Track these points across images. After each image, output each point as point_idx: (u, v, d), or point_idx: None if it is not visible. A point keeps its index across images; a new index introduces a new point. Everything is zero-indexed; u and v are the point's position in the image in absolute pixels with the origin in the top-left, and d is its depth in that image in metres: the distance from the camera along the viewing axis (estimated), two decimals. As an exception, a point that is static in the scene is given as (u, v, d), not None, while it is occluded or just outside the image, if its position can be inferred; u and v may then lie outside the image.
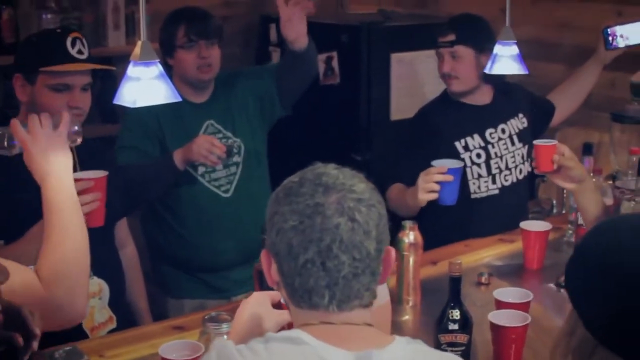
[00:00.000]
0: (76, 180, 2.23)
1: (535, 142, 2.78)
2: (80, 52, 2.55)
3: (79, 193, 2.30)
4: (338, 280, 1.49)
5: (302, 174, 1.56)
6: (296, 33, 3.23)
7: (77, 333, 2.56)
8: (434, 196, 2.92)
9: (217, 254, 3.23)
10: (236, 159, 3.30)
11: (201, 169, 3.22)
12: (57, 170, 2.04)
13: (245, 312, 1.81)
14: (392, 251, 1.59)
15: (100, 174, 2.40)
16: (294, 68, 3.35)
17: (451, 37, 3.28)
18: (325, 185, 1.51)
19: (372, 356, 1.46)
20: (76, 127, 2.19)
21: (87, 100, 2.62)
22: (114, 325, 2.73)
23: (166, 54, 3.28)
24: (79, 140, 2.22)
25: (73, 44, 2.53)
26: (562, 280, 1.40)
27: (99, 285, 2.68)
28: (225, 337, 1.95)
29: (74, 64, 2.53)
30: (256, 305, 1.81)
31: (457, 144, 3.32)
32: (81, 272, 1.98)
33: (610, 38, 3.25)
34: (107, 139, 3.65)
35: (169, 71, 3.26)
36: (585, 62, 3.52)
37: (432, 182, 2.89)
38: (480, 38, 3.27)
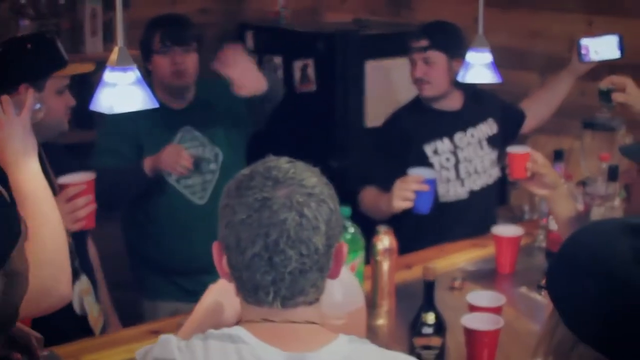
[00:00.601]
0: (68, 185, 2.23)
1: (509, 149, 2.81)
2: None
3: (72, 198, 2.32)
4: (284, 276, 1.48)
5: (254, 167, 1.54)
6: (253, 88, 3.25)
7: (84, 331, 2.60)
8: (408, 204, 2.95)
9: (192, 258, 3.24)
10: (213, 167, 3.32)
11: (175, 175, 3.24)
12: (24, 157, 1.97)
13: (208, 299, 1.81)
14: (344, 247, 1.58)
15: (89, 176, 2.41)
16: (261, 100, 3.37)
17: (424, 43, 3.32)
18: (274, 179, 1.49)
19: (305, 358, 1.47)
20: (38, 105, 2.14)
21: (71, 99, 2.72)
22: (102, 319, 2.76)
23: (145, 59, 3.30)
24: (40, 116, 2.19)
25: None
26: (543, 283, 1.43)
27: (87, 282, 2.70)
28: None
29: (73, 65, 2.55)
30: (220, 292, 1.80)
31: (426, 147, 3.36)
32: (63, 257, 1.93)
33: (583, 51, 3.28)
34: (81, 146, 3.65)
35: (149, 77, 3.28)
36: (558, 71, 3.56)
37: (408, 191, 2.92)
38: (453, 44, 3.31)
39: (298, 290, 1.49)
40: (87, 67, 2.66)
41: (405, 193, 2.93)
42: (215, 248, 1.57)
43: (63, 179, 2.43)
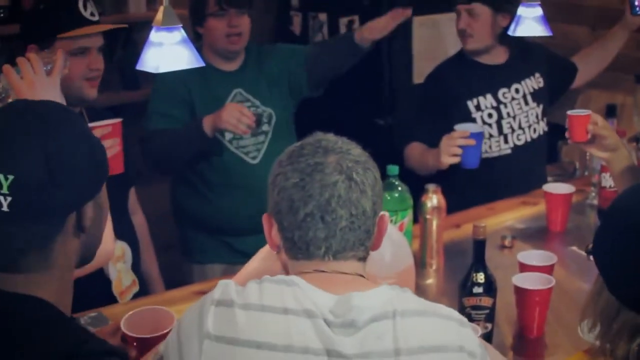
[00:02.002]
0: (94, 127, 2.22)
1: (569, 112, 2.75)
2: (92, 14, 2.55)
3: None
4: (336, 232, 1.58)
5: (303, 141, 1.66)
6: (380, 35, 3.35)
7: (107, 298, 2.60)
8: (456, 160, 2.95)
9: (243, 217, 3.24)
10: (265, 127, 3.31)
11: (228, 135, 3.23)
12: None
13: (256, 261, 1.96)
14: (386, 217, 1.67)
15: (116, 120, 2.40)
16: (338, 56, 3.40)
17: None
18: (324, 147, 1.61)
19: (352, 297, 1.53)
20: (49, 66, 2.11)
21: (102, 61, 2.62)
22: (137, 288, 2.76)
23: (196, 22, 3.28)
24: (66, 71, 2.17)
25: (85, 7, 2.52)
26: (591, 248, 1.42)
27: (122, 248, 2.70)
28: None
29: (90, 26, 2.52)
30: (270, 256, 1.89)
31: (469, 103, 3.33)
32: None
33: (636, 3, 3.23)
34: (128, 106, 3.66)
35: (199, 40, 3.27)
36: (610, 25, 3.49)
37: (455, 147, 2.91)
38: None
39: (349, 245, 1.60)
40: (105, 27, 2.56)
41: (452, 149, 2.94)
42: (265, 220, 1.68)
43: (90, 124, 2.42)
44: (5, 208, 1.38)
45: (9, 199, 1.38)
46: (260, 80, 3.34)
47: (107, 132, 2.36)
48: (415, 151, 3.28)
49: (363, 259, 1.63)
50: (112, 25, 2.61)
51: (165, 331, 1.96)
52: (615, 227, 1.37)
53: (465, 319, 1.62)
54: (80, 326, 1.51)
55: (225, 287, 1.58)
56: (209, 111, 3.11)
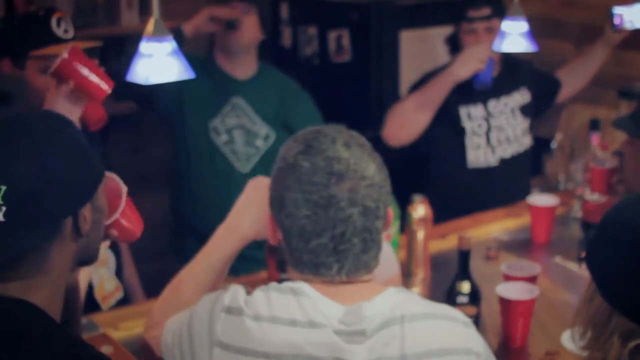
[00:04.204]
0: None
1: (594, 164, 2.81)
2: (66, 31, 2.53)
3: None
4: (348, 257, 1.57)
5: (311, 157, 1.56)
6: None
7: (89, 303, 2.61)
8: (478, 68, 3.06)
9: None
10: (259, 143, 3.33)
11: (224, 137, 3.25)
12: None
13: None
14: (391, 211, 1.65)
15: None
16: None
17: (486, 11, 3.28)
18: (338, 174, 1.54)
19: (362, 308, 1.53)
20: None
21: None
22: (121, 294, 2.77)
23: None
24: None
25: (58, 24, 2.52)
26: (583, 255, 1.46)
27: (105, 254, 2.71)
28: None
29: (63, 44, 2.49)
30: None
31: (461, 109, 3.34)
32: None
33: (616, 20, 3.27)
34: (119, 117, 3.68)
35: (212, 49, 3.33)
36: (593, 41, 3.53)
37: (483, 56, 2.93)
38: (505, 11, 3.27)
39: (361, 265, 1.59)
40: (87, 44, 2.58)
41: (481, 55, 2.96)
42: (269, 221, 1.65)
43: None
44: (1, 218, 1.39)
45: (4, 208, 1.39)
46: (271, 103, 3.35)
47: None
48: (406, 101, 3.28)
49: (373, 269, 1.63)
50: (84, 43, 2.61)
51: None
52: (608, 237, 1.40)
53: (469, 320, 1.64)
54: (68, 332, 1.52)
55: (235, 294, 1.59)
56: (197, 104, 3.13)
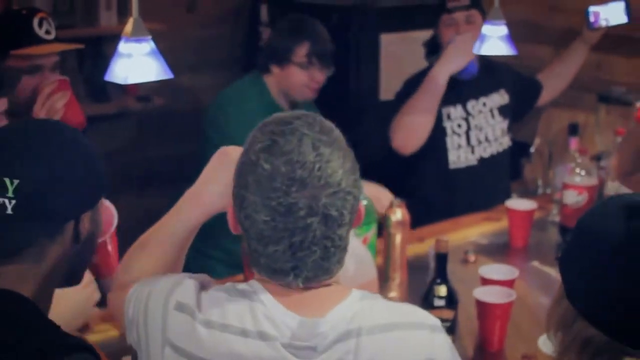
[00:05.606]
0: (43, 87, 2.38)
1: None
2: (48, 32, 2.53)
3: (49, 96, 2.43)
4: (307, 264, 1.49)
5: (274, 158, 1.46)
6: None
7: None
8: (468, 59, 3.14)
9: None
10: None
11: None
12: None
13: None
14: (362, 208, 1.57)
15: (63, 77, 2.53)
16: None
17: (465, 1, 3.28)
18: (300, 180, 1.44)
19: (317, 324, 1.48)
20: None
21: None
22: (98, 294, 2.75)
23: (275, 61, 3.21)
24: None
25: (40, 25, 2.51)
26: (558, 256, 1.47)
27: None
28: None
29: (44, 45, 2.51)
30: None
31: (442, 110, 3.35)
32: None
33: (592, 18, 3.31)
34: (97, 118, 3.66)
35: (264, 73, 3.24)
36: (572, 43, 3.55)
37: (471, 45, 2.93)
38: (483, 6, 3.29)
39: (322, 272, 1.51)
40: (59, 47, 2.58)
41: (469, 46, 2.95)
42: (230, 212, 1.57)
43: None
44: (9, 211, 1.48)
45: (13, 202, 1.48)
46: None
47: (54, 87, 2.46)
48: (407, 106, 3.27)
49: (335, 274, 1.54)
50: (66, 45, 2.60)
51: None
52: (576, 241, 1.42)
53: (438, 323, 1.56)
54: (52, 322, 1.53)
55: (186, 289, 1.55)
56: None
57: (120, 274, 1.82)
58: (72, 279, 1.66)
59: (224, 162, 1.71)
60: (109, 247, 1.89)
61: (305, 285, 1.50)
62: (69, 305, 2.07)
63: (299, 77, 3.19)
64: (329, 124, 1.56)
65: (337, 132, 1.55)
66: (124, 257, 1.85)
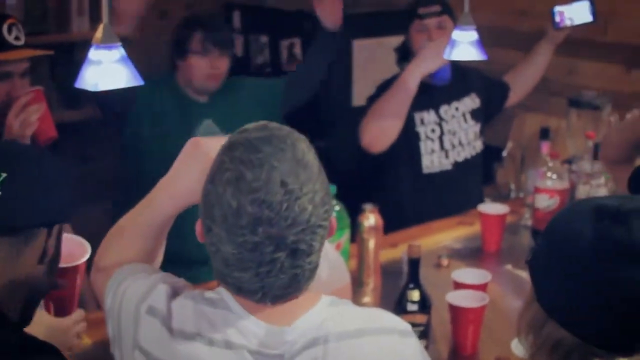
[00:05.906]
0: (19, 97, 2.41)
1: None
2: (17, 38, 2.51)
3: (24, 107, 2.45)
4: (274, 287, 1.46)
5: (241, 196, 1.41)
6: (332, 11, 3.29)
7: None
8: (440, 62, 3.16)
9: (183, 249, 3.20)
10: None
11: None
12: None
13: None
14: (334, 222, 1.53)
15: (37, 87, 2.53)
16: (319, 65, 3.45)
17: (437, 8, 3.31)
18: (266, 220, 1.40)
19: (284, 333, 1.48)
20: None
21: (27, 86, 2.59)
22: None
23: (176, 55, 3.27)
24: None
25: (9, 31, 2.49)
26: (528, 259, 1.48)
27: None
28: None
29: (13, 51, 2.49)
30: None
31: (415, 115, 3.36)
32: None
33: (557, 18, 3.33)
34: (69, 125, 3.65)
35: (174, 71, 3.30)
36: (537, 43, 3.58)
37: (441, 50, 2.94)
38: (454, 13, 3.30)
39: (292, 290, 1.48)
40: (28, 53, 2.56)
41: (441, 48, 2.94)
42: (199, 225, 1.52)
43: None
44: None
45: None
46: (231, 113, 3.33)
47: (29, 98, 2.48)
48: (375, 109, 3.28)
49: (306, 288, 1.51)
50: (36, 51, 2.59)
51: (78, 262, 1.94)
52: (545, 243, 1.42)
53: (409, 328, 1.56)
54: (15, 323, 1.54)
55: (158, 294, 1.54)
56: (176, 138, 3.13)
57: (100, 257, 1.79)
58: (26, 311, 1.63)
59: (193, 155, 1.68)
60: (78, 279, 1.87)
61: (274, 303, 1.48)
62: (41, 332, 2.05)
63: (199, 65, 3.23)
64: (301, 145, 1.49)
65: (309, 155, 1.49)
66: (103, 241, 1.83)
